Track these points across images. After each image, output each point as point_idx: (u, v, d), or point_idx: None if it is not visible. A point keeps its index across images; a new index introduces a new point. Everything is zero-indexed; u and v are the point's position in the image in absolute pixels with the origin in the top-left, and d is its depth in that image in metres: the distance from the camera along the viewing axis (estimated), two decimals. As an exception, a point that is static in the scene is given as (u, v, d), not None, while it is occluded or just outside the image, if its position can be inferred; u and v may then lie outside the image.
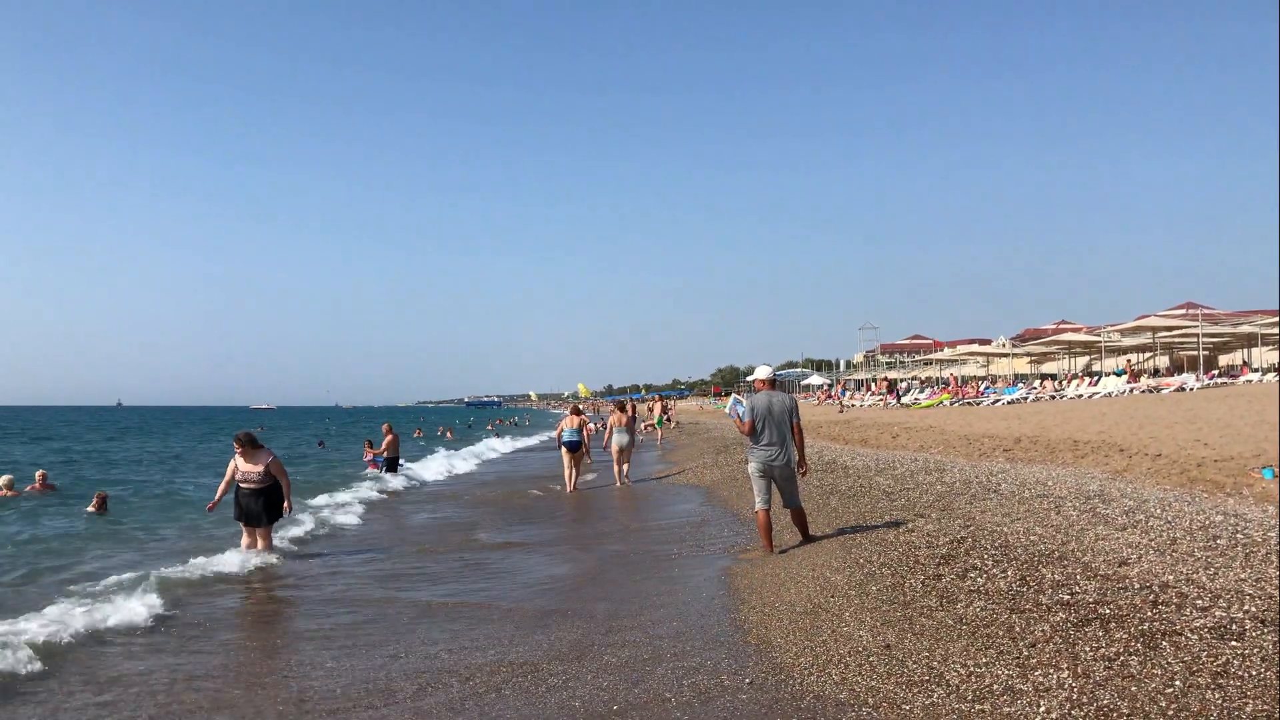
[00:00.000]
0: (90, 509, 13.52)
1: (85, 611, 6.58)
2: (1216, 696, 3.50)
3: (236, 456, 9.41)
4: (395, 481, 18.49)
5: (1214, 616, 4.38)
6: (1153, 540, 6.26)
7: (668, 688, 4.54)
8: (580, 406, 18.30)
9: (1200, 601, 4.65)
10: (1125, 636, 4.26)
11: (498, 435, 45.87)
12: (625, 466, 16.94)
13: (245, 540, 9.46)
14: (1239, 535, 6.14)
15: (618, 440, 16.89)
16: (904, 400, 43.38)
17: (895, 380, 56.98)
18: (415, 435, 42.68)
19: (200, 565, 8.59)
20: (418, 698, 4.79)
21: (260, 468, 9.31)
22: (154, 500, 16.15)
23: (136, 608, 6.72)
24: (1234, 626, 4.20)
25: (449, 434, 44.71)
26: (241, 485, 9.37)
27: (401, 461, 20.50)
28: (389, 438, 19.69)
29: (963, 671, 4.15)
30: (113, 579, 7.88)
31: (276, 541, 9.81)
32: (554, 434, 23.28)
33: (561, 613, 6.55)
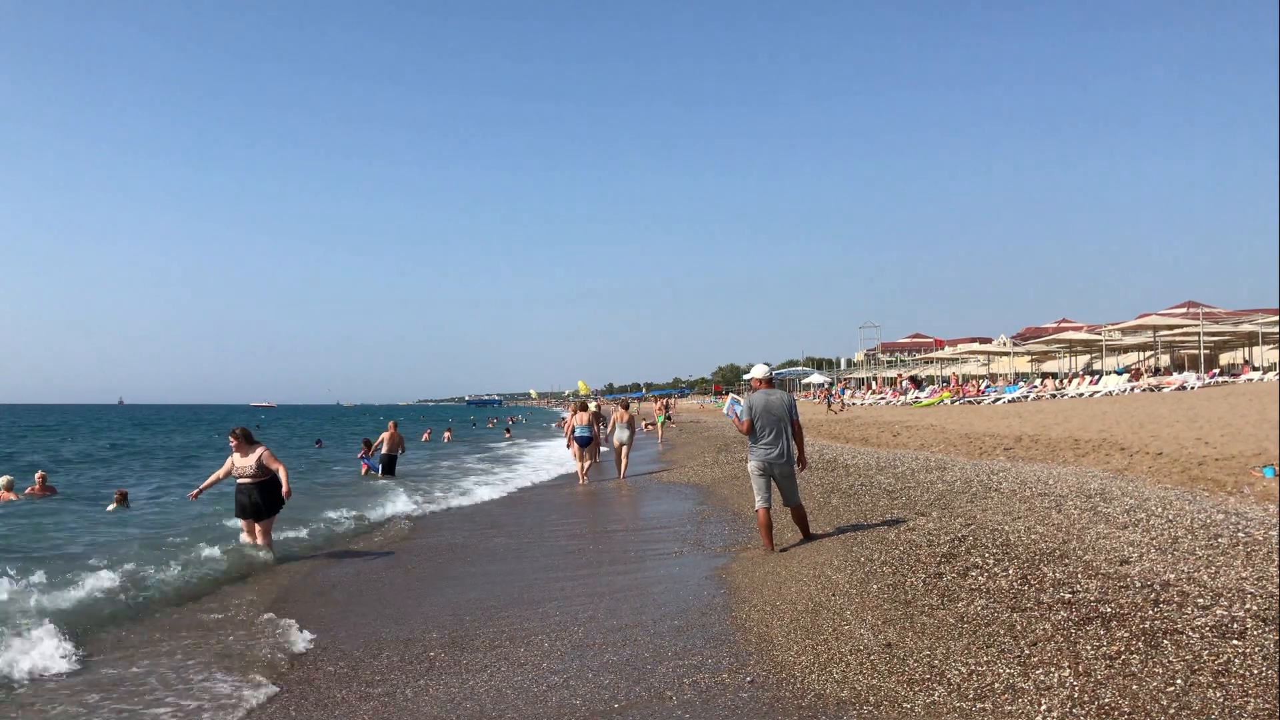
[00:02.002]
0: (112, 506, 14.07)
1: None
2: (1218, 695, 3.49)
3: (233, 452, 9.42)
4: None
5: (1215, 615, 4.37)
6: (1154, 539, 6.25)
7: (668, 686, 4.54)
8: (588, 403, 18.50)
9: (1201, 600, 4.64)
10: (1126, 635, 4.25)
11: (508, 431, 44.84)
12: (625, 463, 17.45)
13: (245, 538, 9.45)
14: (1240, 534, 6.13)
15: (619, 435, 17.59)
16: (902, 398, 43.40)
17: (916, 376, 56.88)
18: (424, 438, 38.22)
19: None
20: (416, 699, 4.79)
21: (252, 461, 9.32)
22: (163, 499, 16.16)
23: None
24: (1235, 625, 4.19)
25: (447, 435, 42.36)
26: (239, 481, 9.39)
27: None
28: (387, 434, 19.01)
29: (964, 670, 4.15)
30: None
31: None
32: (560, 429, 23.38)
33: (561, 610, 6.54)
